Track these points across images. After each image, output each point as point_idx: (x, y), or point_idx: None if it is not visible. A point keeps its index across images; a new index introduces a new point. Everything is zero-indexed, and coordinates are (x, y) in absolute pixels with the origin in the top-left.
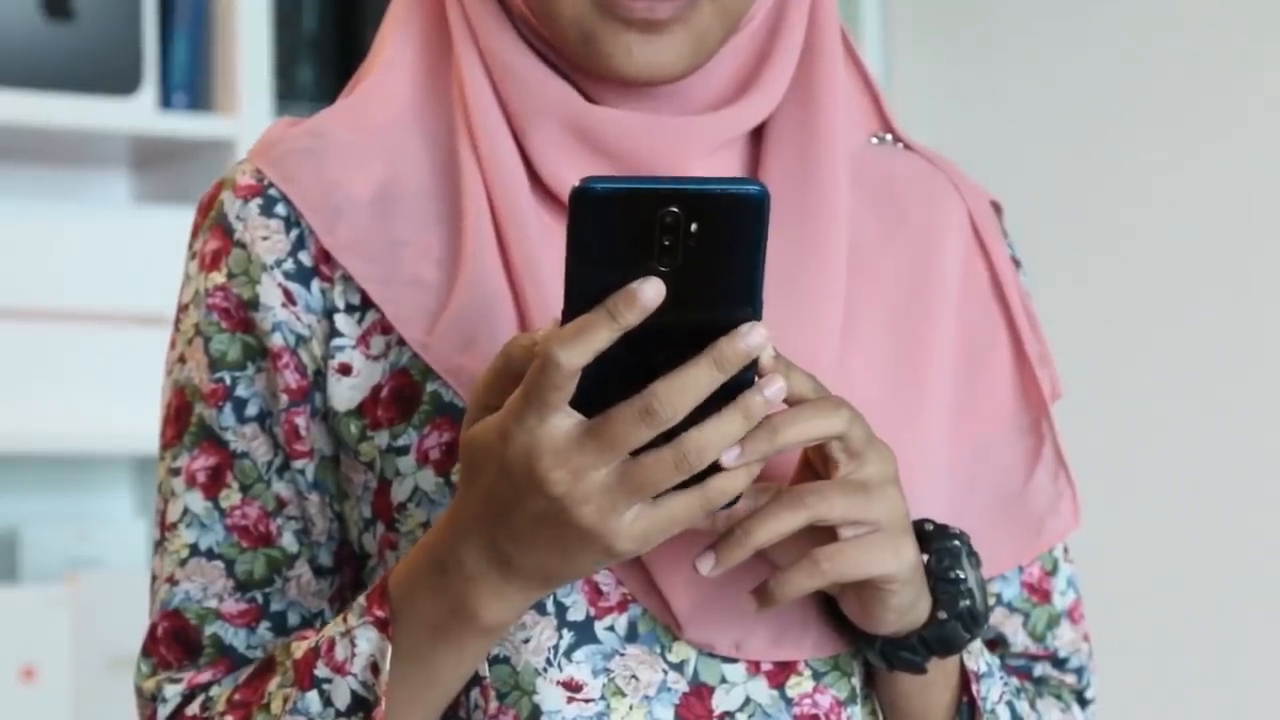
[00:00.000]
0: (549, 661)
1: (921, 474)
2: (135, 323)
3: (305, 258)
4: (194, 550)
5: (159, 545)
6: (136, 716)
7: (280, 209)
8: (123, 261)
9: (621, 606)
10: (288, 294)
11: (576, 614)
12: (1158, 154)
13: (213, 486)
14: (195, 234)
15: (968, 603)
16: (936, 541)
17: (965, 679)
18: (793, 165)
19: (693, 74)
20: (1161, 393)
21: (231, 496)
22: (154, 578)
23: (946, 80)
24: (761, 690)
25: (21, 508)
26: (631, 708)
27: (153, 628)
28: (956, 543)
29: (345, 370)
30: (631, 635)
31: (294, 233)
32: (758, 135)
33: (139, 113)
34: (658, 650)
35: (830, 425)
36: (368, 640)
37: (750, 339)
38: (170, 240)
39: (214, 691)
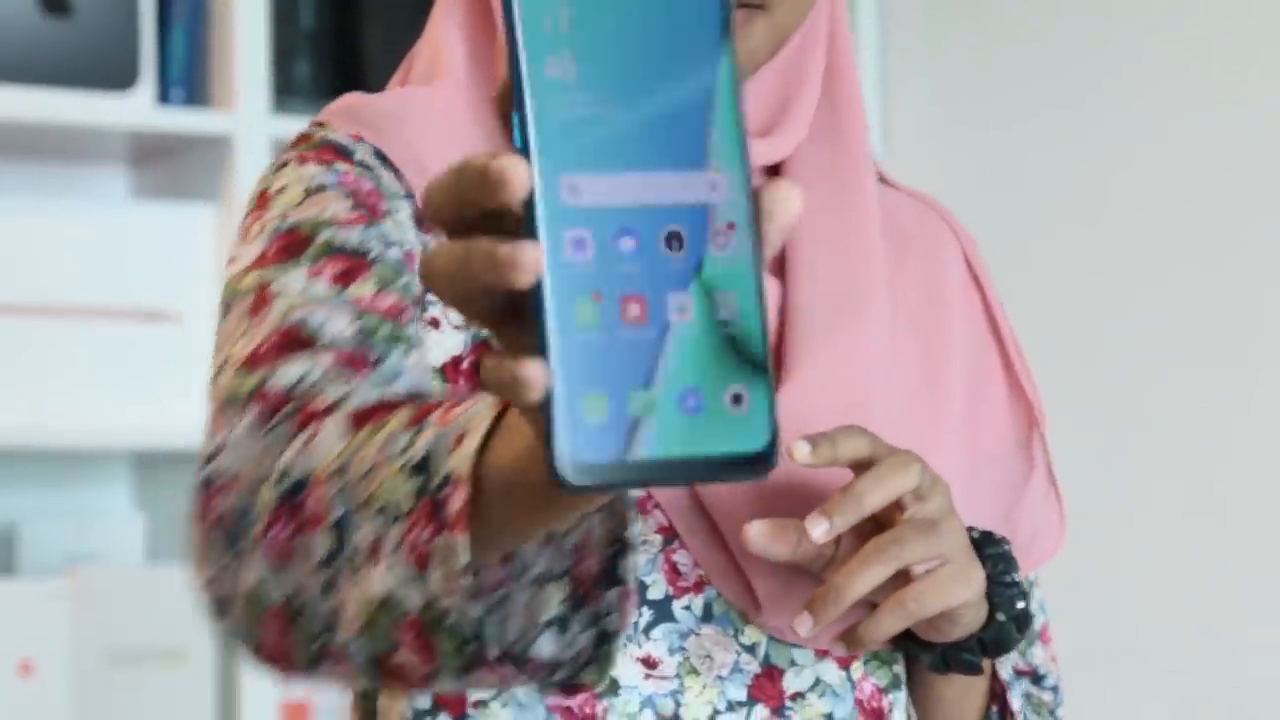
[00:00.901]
0: (629, 637)
1: None
2: (134, 318)
3: (411, 208)
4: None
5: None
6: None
7: (378, 163)
8: (121, 257)
9: (698, 588)
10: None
11: (656, 593)
12: (1155, 166)
13: (342, 279)
14: (283, 164)
15: (1021, 605)
16: (989, 548)
17: (993, 685)
18: (825, 198)
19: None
20: (1153, 406)
21: (365, 288)
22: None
23: (943, 92)
24: (831, 672)
25: (20, 502)
26: (705, 686)
27: (255, 352)
28: (1006, 548)
29: (434, 324)
30: (706, 616)
31: (400, 185)
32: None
33: (136, 108)
34: (731, 632)
35: (907, 482)
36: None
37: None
38: (169, 235)
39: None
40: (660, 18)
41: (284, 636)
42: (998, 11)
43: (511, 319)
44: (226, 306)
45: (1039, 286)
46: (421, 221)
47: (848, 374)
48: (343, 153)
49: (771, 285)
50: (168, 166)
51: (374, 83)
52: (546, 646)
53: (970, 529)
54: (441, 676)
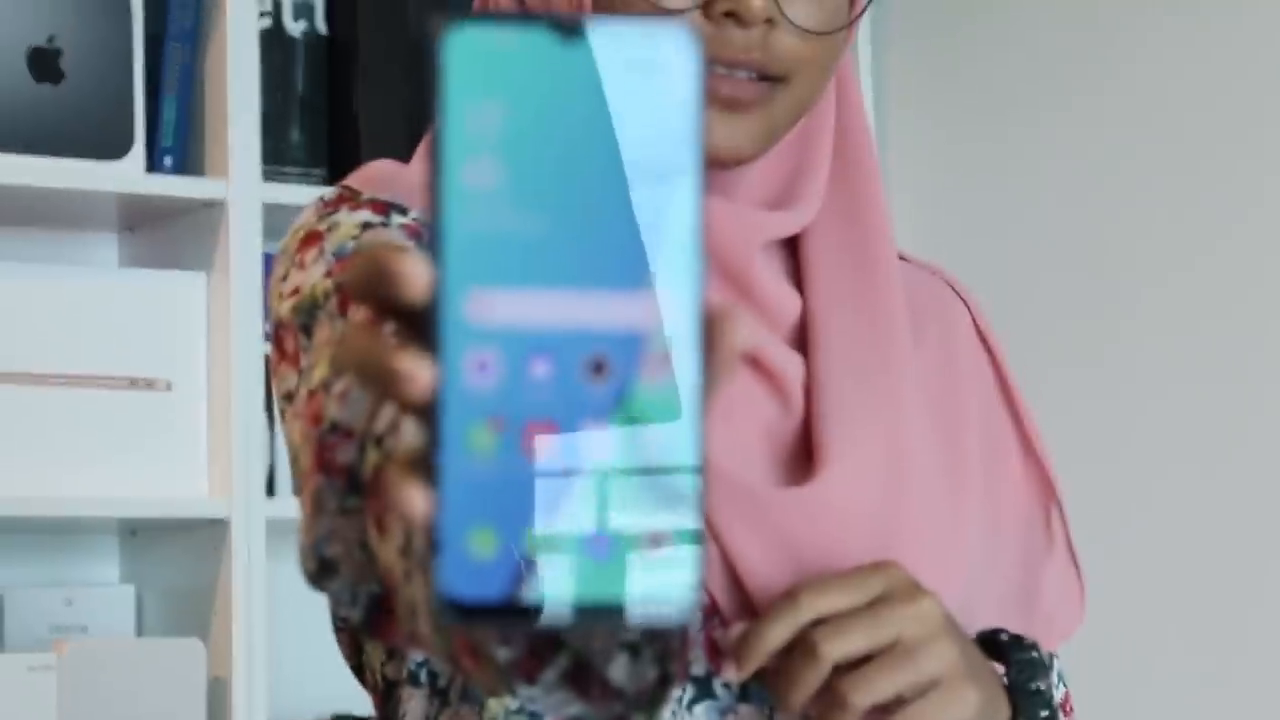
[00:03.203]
0: (674, 714)
1: (959, 567)
2: (124, 386)
3: None
4: None
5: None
6: None
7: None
8: (111, 324)
9: None
10: None
11: (698, 669)
12: (1153, 199)
13: None
14: (329, 212)
15: (1046, 713)
16: (1015, 653)
17: None
18: (845, 269)
19: (758, 160)
20: (1159, 470)
21: None
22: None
23: (939, 147)
24: None
25: (7, 573)
26: None
27: None
28: (1035, 653)
29: None
30: (744, 695)
31: None
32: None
33: (128, 175)
34: (766, 711)
35: (905, 677)
36: None
37: None
38: (160, 303)
39: None
40: (614, 127)
41: (389, 615)
42: (993, 50)
43: (420, 413)
44: (309, 316)
45: (1041, 336)
46: None
47: (885, 458)
48: (389, 211)
49: (793, 360)
50: (159, 233)
51: (366, 150)
52: (619, 671)
53: (999, 631)
54: (498, 687)
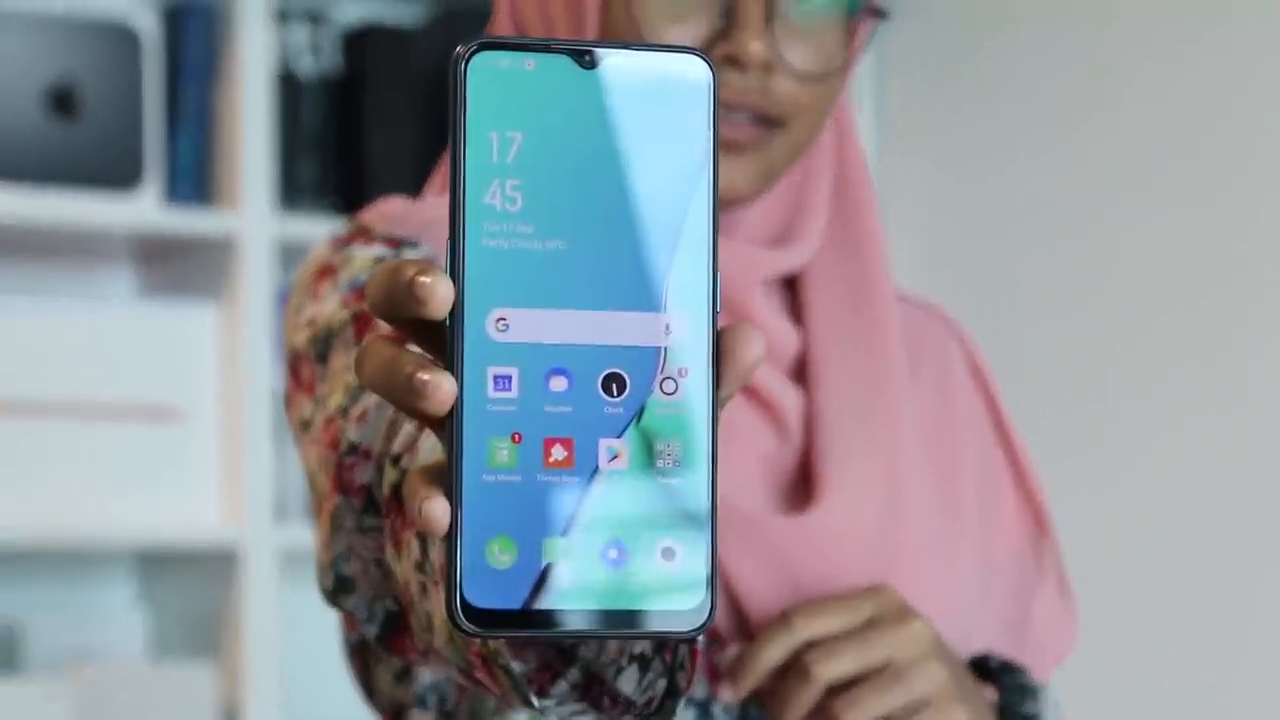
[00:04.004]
0: None
1: (955, 595)
2: (138, 416)
3: None
4: None
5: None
6: None
7: None
8: (125, 355)
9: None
10: None
11: (698, 693)
12: (1152, 232)
13: None
14: (344, 245)
15: None
16: (1005, 677)
17: None
18: (843, 304)
19: (756, 200)
20: (1154, 505)
21: None
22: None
23: (940, 187)
24: None
25: (24, 600)
26: None
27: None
28: (1026, 678)
29: None
30: (744, 716)
31: None
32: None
33: (142, 208)
34: None
35: (896, 697)
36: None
37: None
38: (173, 334)
39: None
40: (629, 152)
41: (404, 630)
42: (994, 90)
43: (439, 426)
44: (325, 345)
45: (1039, 372)
46: None
47: (883, 487)
48: (401, 246)
49: (791, 392)
50: (172, 266)
51: (378, 183)
52: (629, 682)
53: (988, 657)
54: (513, 700)
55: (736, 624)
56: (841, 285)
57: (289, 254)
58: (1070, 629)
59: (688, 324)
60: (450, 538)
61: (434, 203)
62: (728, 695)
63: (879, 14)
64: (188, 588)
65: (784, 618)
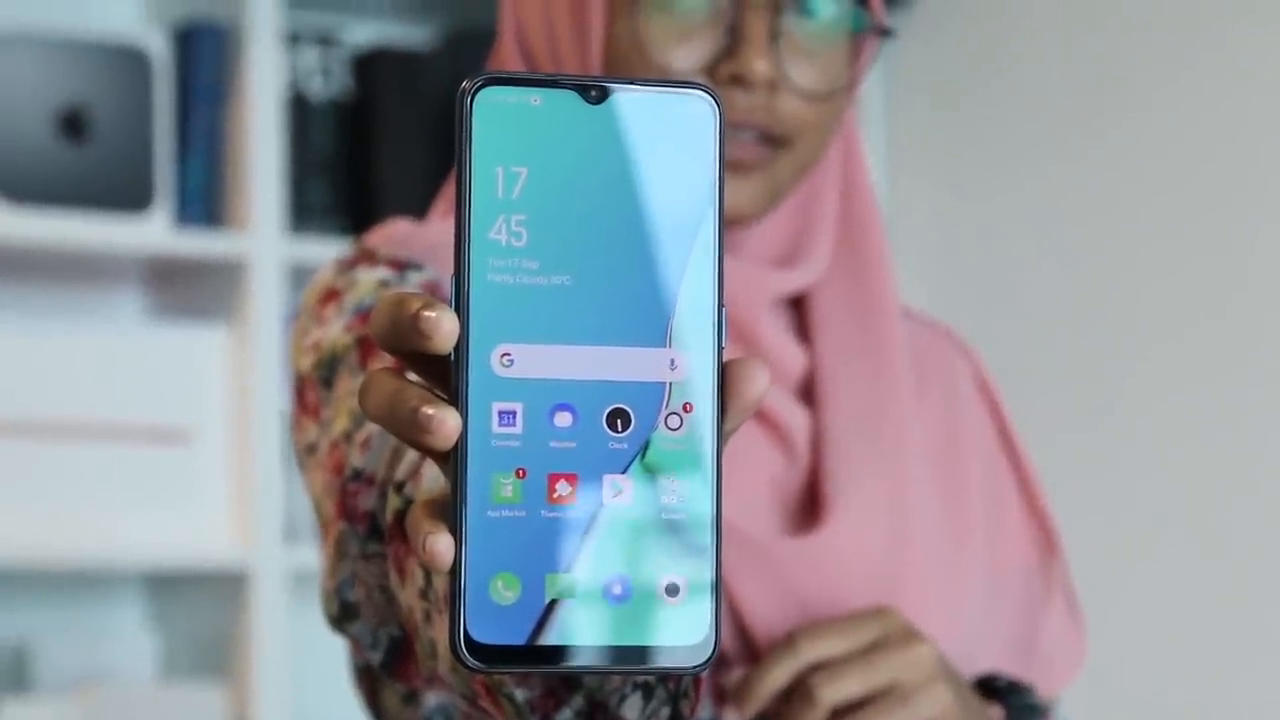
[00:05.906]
0: None
1: (961, 616)
2: (147, 438)
3: None
4: None
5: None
6: None
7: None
8: (134, 377)
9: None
10: None
11: (705, 715)
12: (1160, 252)
13: None
14: (348, 268)
15: None
16: (1012, 697)
17: None
18: (850, 325)
19: (764, 219)
20: (1161, 526)
21: None
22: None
23: (949, 209)
24: None
25: (33, 621)
26: None
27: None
28: (1033, 698)
29: None
30: None
31: None
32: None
33: (151, 230)
34: None
35: (902, 719)
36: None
37: None
38: (182, 356)
39: None
40: (635, 188)
41: (409, 656)
42: (1004, 113)
43: (443, 459)
44: (329, 369)
45: (1047, 394)
46: None
47: (889, 509)
48: (405, 269)
49: (798, 413)
50: (182, 288)
51: (387, 205)
52: (632, 710)
53: (995, 676)
54: None
55: (742, 646)
56: (848, 305)
57: (299, 276)
58: (1079, 647)
59: (693, 359)
60: (454, 573)
61: (439, 226)
62: (733, 718)
63: (884, 32)
64: (197, 609)
65: (789, 640)
